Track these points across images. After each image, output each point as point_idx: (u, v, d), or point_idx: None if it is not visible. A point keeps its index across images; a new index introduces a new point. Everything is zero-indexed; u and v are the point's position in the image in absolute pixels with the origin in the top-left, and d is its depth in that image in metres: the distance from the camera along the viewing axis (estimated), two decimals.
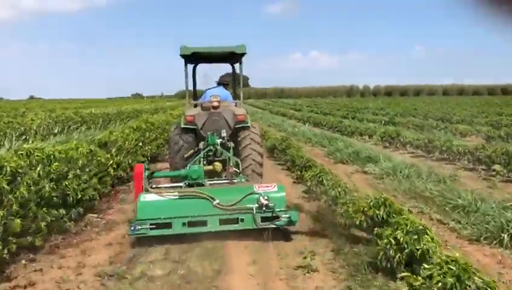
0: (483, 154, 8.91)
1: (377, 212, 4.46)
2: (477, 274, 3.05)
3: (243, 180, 6.00)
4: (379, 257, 3.99)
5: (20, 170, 4.79)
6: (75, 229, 5.63)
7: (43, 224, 4.84)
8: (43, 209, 4.96)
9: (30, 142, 9.76)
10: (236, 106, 7.20)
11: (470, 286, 2.98)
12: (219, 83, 7.87)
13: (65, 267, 4.50)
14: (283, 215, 5.05)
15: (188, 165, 6.13)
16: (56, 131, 13.50)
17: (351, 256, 4.53)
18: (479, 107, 30.64)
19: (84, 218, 6.05)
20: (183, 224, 5.02)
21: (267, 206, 5.05)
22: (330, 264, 4.43)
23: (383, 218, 4.42)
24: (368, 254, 4.48)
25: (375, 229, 4.41)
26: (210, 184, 5.84)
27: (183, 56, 6.80)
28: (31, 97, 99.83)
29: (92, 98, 77.58)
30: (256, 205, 5.07)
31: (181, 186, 5.78)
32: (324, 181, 6.40)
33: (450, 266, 3.10)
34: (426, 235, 3.80)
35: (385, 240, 3.93)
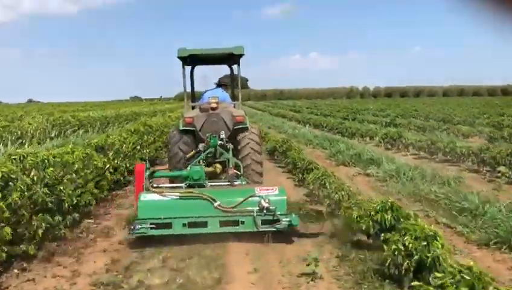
0: (487, 155, 8.74)
1: (385, 216, 4.28)
2: (493, 284, 2.88)
3: (243, 182, 5.94)
4: (386, 264, 3.82)
5: (12, 175, 4.62)
6: (71, 235, 5.44)
7: (37, 231, 4.66)
8: (37, 215, 4.78)
9: (26, 146, 9.59)
10: (234, 107, 7.12)
11: None
12: (218, 84, 7.76)
13: (59, 276, 4.33)
14: (283, 219, 5.02)
15: (189, 165, 6.05)
16: (53, 135, 13.33)
17: (356, 263, 4.38)
18: (480, 108, 30.48)
19: (80, 224, 5.88)
20: (184, 225, 5.00)
21: (267, 209, 5.02)
22: (335, 271, 4.26)
23: (390, 223, 4.25)
24: (374, 261, 4.32)
25: (382, 234, 4.25)
26: (211, 185, 5.80)
27: (180, 58, 6.74)
28: (30, 100, 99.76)
29: (90, 101, 77.27)
30: (257, 208, 5.04)
31: (181, 187, 5.72)
32: (327, 184, 6.23)
33: (464, 275, 2.92)
34: (436, 241, 3.63)
35: (393, 246, 3.75)
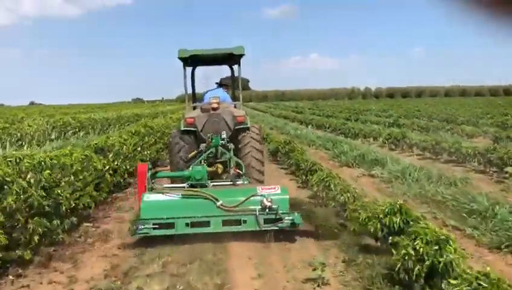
0: (495, 156, 8.56)
1: (393, 219, 4.12)
2: None
3: (245, 182, 5.94)
4: (396, 269, 3.65)
5: (7, 178, 4.47)
6: (69, 240, 5.28)
7: (33, 236, 4.50)
8: (33, 219, 4.63)
9: (25, 148, 9.46)
10: (235, 107, 7.12)
11: None
12: (219, 84, 7.70)
13: (55, 282, 4.18)
14: (286, 218, 5.00)
15: (191, 165, 6.02)
16: (53, 137, 13.19)
17: (364, 267, 4.21)
18: (483, 108, 30.25)
19: (79, 228, 5.73)
20: (186, 224, 4.99)
21: (270, 208, 5.01)
22: (342, 276, 4.10)
23: (399, 226, 4.09)
24: (382, 265, 4.16)
25: (390, 237, 4.09)
26: (213, 185, 5.77)
27: (181, 59, 6.75)
28: (32, 103, 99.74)
29: (92, 103, 77.33)
30: (259, 207, 5.02)
31: (184, 187, 5.72)
32: (332, 186, 6.06)
33: (481, 282, 2.76)
34: (448, 246, 3.46)
35: (403, 251, 3.59)
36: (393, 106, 38.52)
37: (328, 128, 19.70)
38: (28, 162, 4.96)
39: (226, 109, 6.79)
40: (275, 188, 5.31)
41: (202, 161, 6.19)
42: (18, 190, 4.49)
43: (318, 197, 6.59)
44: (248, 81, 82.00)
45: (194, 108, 7.38)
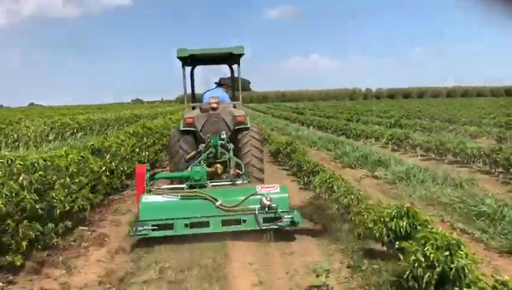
0: (501, 156, 8.37)
1: (400, 223, 3.93)
2: None
3: (245, 181, 5.91)
4: (405, 276, 3.46)
5: None
6: (63, 244, 5.10)
7: (23, 240, 4.32)
8: (25, 223, 4.44)
9: (21, 149, 9.28)
10: (235, 107, 7.03)
11: None
12: (218, 84, 7.58)
13: None
14: (285, 216, 4.97)
15: (190, 166, 5.96)
16: (51, 138, 13.02)
17: (370, 273, 4.01)
18: (485, 109, 30.06)
19: (74, 231, 5.54)
20: (186, 225, 4.96)
21: (269, 207, 4.99)
22: (347, 283, 3.91)
23: (406, 230, 3.90)
24: (389, 271, 3.97)
25: (397, 242, 3.91)
26: (212, 185, 5.75)
27: (180, 58, 6.68)
28: (31, 104, 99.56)
29: (92, 104, 77.12)
30: (259, 206, 5.00)
31: (183, 188, 5.66)
32: (335, 187, 5.87)
33: None
34: (459, 251, 3.28)
35: (412, 257, 3.39)
36: (394, 107, 38.36)
37: (329, 129, 19.53)
38: (20, 164, 4.78)
39: (225, 109, 6.71)
40: (274, 186, 5.29)
41: (202, 161, 6.13)
42: (8, 193, 4.31)
43: (320, 199, 6.40)
44: (249, 82, 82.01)
45: (194, 108, 7.30)
